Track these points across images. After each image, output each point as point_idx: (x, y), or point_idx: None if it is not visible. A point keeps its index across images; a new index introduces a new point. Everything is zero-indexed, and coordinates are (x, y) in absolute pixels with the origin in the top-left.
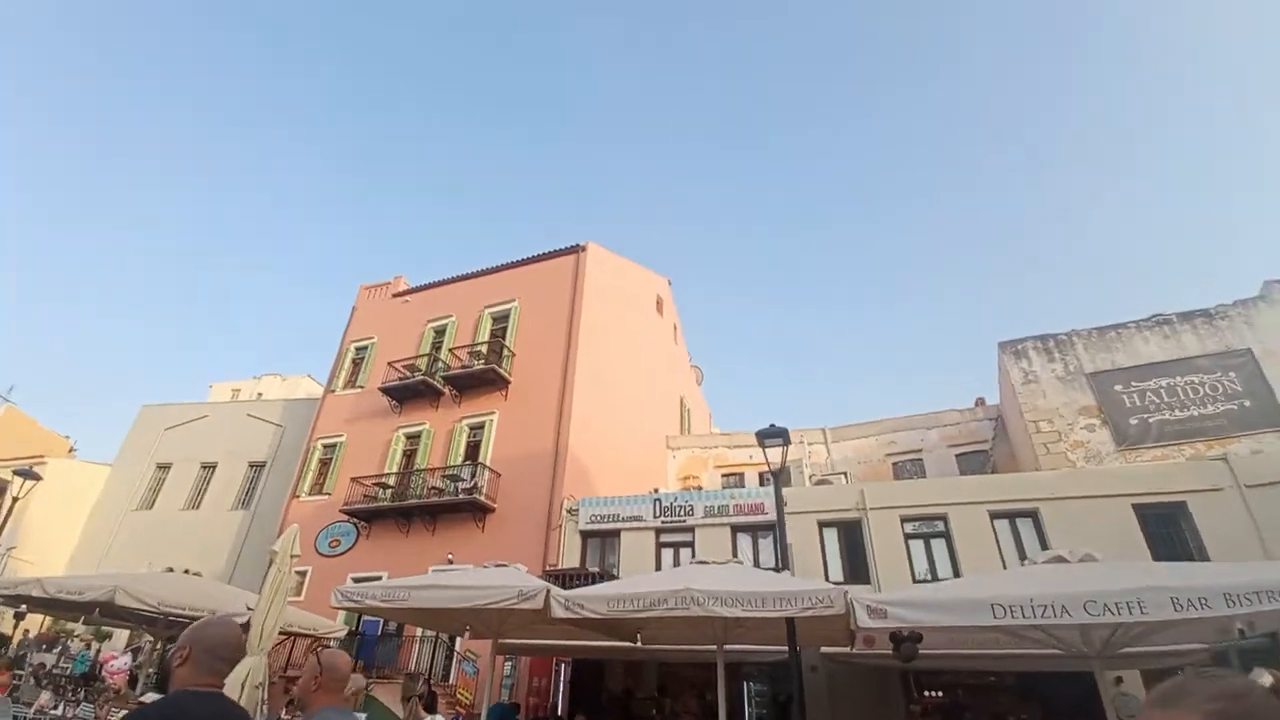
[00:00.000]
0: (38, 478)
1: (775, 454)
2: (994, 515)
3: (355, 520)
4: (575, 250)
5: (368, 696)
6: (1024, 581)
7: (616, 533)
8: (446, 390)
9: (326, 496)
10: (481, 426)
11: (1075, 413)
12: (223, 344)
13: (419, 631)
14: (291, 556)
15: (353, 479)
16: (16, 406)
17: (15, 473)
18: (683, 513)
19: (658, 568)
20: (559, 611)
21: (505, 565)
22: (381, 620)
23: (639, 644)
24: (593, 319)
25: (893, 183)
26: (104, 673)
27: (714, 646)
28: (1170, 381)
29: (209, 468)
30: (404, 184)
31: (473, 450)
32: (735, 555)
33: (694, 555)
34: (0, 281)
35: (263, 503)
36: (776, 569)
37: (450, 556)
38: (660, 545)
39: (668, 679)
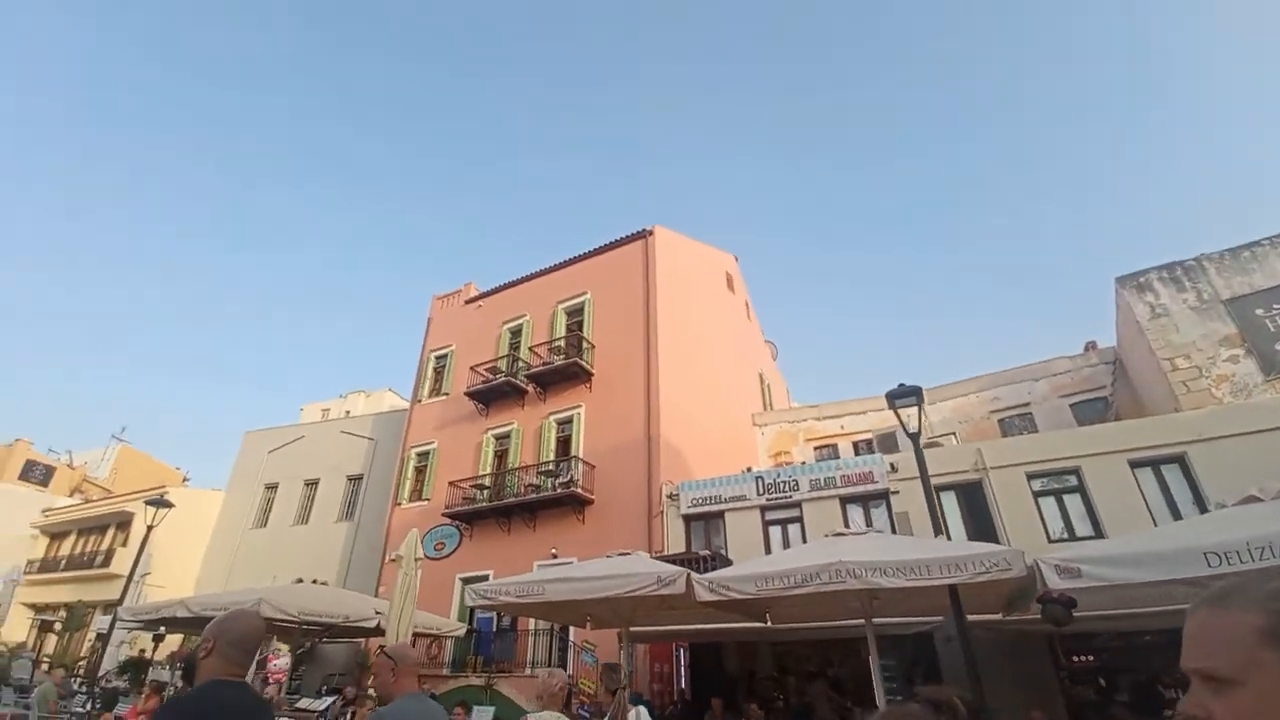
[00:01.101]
0: (170, 505)
1: (910, 414)
2: (1134, 464)
3: (457, 523)
4: (643, 235)
5: (493, 690)
6: (1226, 525)
7: (720, 514)
8: (530, 388)
9: (426, 502)
10: (570, 421)
11: (1215, 344)
12: (306, 368)
13: (532, 625)
14: (416, 560)
15: (450, 483)
16: (130, 444)
17: (147, 503)
18: (787, 489)
19: (766, 546)
20: (704, 595)
21: (628, 554)
22: (495, 617)
23: (768, 623)
24: (668, 302)
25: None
26: (268, 673)
27: (858, 621)
28: None
29: (312, 484)
30: (451, 194)
31: (563, 445)
32: (846, 527)
33: (803, 531)
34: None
35: (364, 513)
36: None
37: (554, 551)
38: (766, 523)
39: (785, 658)
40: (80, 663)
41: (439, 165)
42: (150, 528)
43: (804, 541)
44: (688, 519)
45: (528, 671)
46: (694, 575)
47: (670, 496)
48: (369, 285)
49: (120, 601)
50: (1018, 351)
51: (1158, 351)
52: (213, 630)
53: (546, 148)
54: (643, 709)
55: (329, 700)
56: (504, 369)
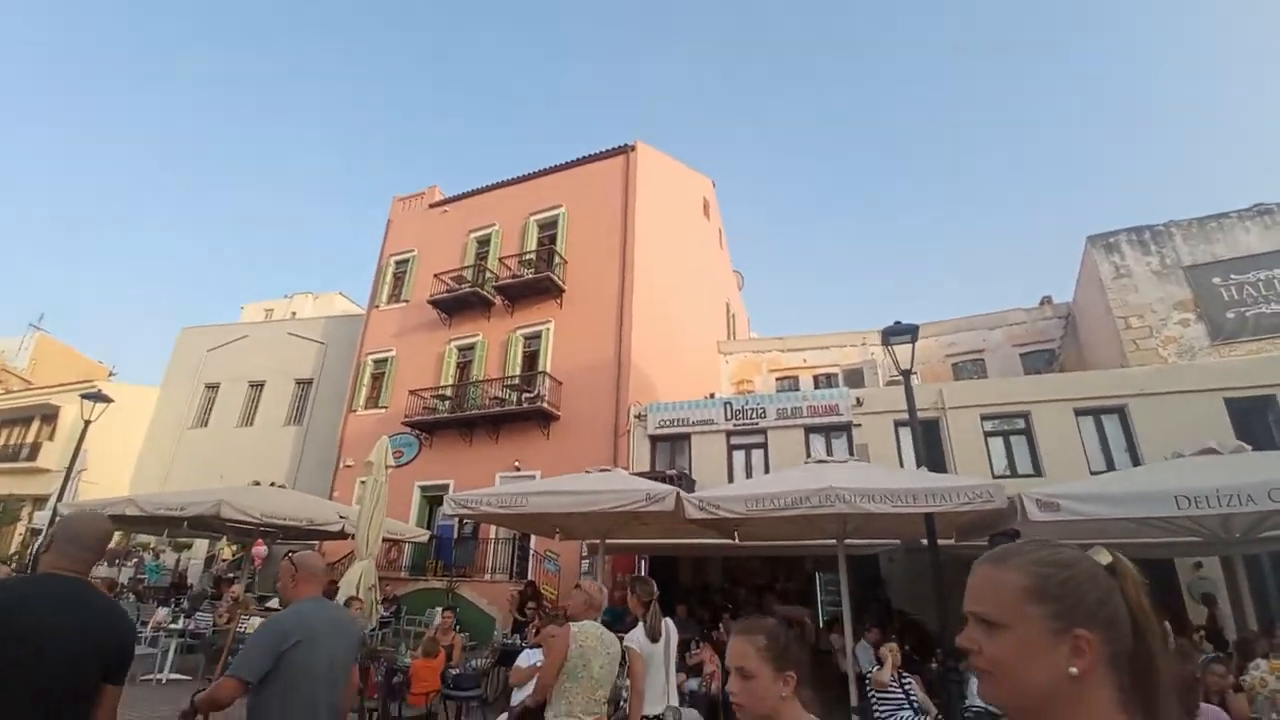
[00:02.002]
0: (108, 400)
1: (903, 352)
2: (1079, 412)
3: (416, 432)
4: (624, 150)
5: (454, 594)
6: (1192, 473)
7: (686, 437)
8: (498, 300)
9: (384, 410)
10: (538, 336)
11: (1169, 308)
12: (248, 265)
13: (494, 534)
14: (386, 468)
15: (410, 392)
16: (49, 334)
17: (83, 396)
18: (754, 416)
19: (729, 470)
20: (694, 513)
21: (608, 470)
22: (456, 524)
23: (736, 540)
24: (646, 223)
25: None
26: (254, 559)
27: (825, 541)
28: (1270, 274)
29: (257, 386)
30: (422, 89)
31: (529, 360)
32: (809, 456)
33: (766, 458)
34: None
35: (314, 418)
36: None
37: (517, 464)
38: (731, 448)
39: (735, 571)
40: (13, 557)
41: (406, 46)
42: (88, 422)
43: (766, 468)
44: (654, 439)
45: (487, 577)
46: (683, 494)
47: (638, 417)
48: (319, 177)
49: (61, 497)
50: (974, 303)
51: (1115, 310)
52: (55, 527)
53: (523, 47)
54: (670, 620)
55: None
56: (470, 279)
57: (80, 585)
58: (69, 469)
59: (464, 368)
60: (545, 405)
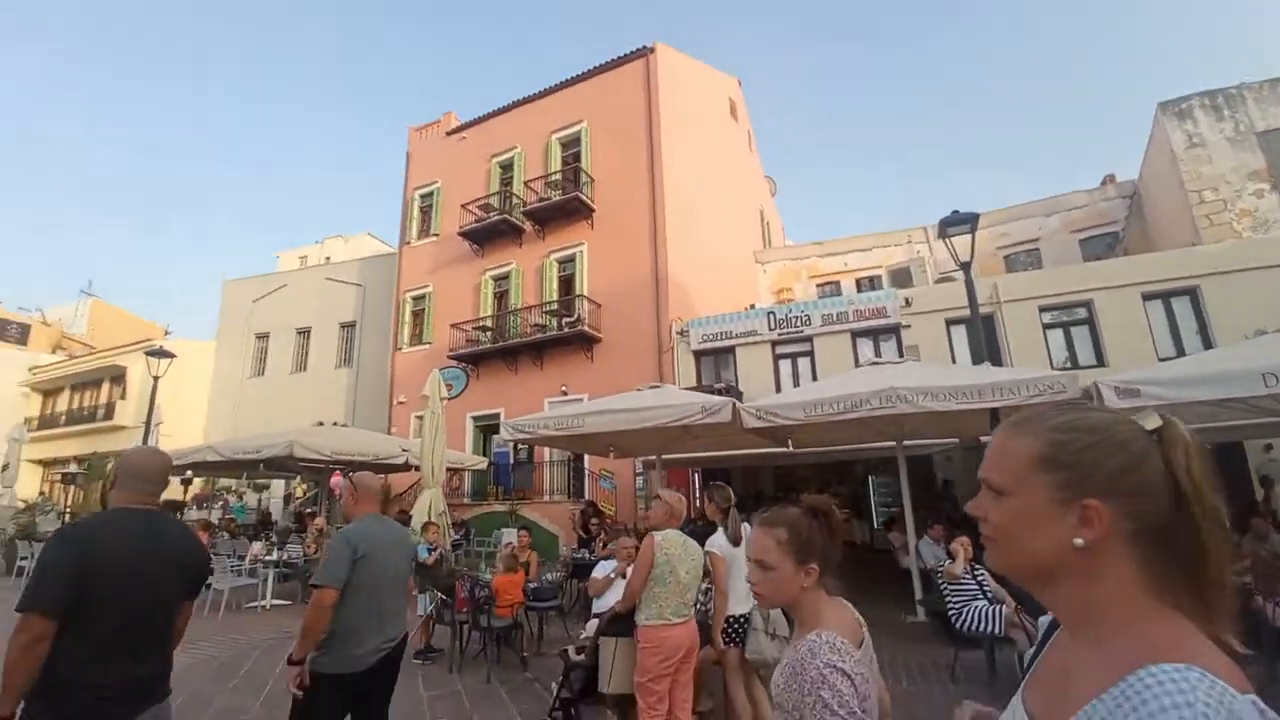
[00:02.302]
0: (172, 355)
1: (962, 243)
2: (1146, 297)
3: (463, 364)
4: (643, 54)
5: (517, 515)
6: (1278, 349)
7: (730, 350)
8: (528, 226)
9: (427, 346)
10: (572, 259)
11: (1244, 178)
12: (275, 216)
13: (548, 457)
14: (441, 399)
15: (452, 325)
16: (101, 299)
17: (148, 354)
18: (799, 324)
19: (775, 380)
20: (751, 422)
21: (658, 386)
22: (511, 450)
23: (791, 448)
24: (671, 131)
25: None
26: (333, 489)
27: (883, 444)
28: None
29: (304, 332)
30: (424, 12)
31: (565, 284)
32: (857, 361)
33: (813, 365)
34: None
35: (362, 358)
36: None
37: (564, 388)
38: (777, 358)
39: (787, 479)
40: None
41: None
42: (157, 379)
43: (813, 376)
44: (698, 354)
45: (545, 498)
46: (739, 404)
47: (680, 333)
48: (334, 123)
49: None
50: (1024, 192)
51: (1188, 183)
52: (117, 465)
53: None
54: (748, 524)
55: None
56: (497, 206)
57: (154, 515)
58: (146, 423)
59: (501, 297)
60: (586, 328)
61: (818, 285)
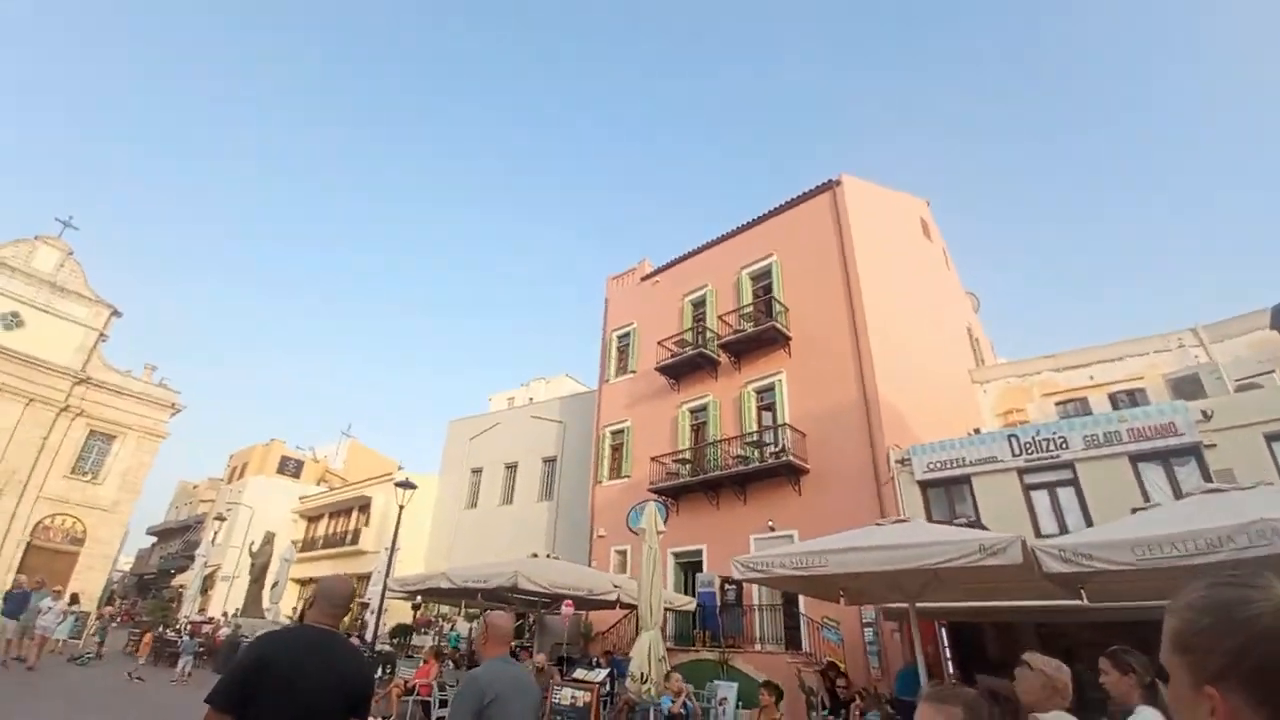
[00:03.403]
0: (414, 486)
1: None
2: None
3: (663, 498)
4: (829, 187)
5: (729, 666)
6: None
7: (965, 479)
8: (723, 358)
9: (626, 479)
10: (771, 388)
11: None
12: (486, 362)
13: (758, 600)
14: (658, 533)
15: (651, 459)
16: (357, 439)
17: (397, 484)
18: (1052, 447)
19: (1030, 515)
20: (1055, 566)
21: (905, 520)
22: (717, 591)
23: (1085, 601)
24: (865, 254)
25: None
26: (563, 617)
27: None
28: None
29: (511, 467)
30: (616, 173)
31: (765, 414)
32: (1143, 491)
33: (1079, 495)
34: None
35: (562, 492)
36: None
37: (771, 524)
38: (1028, 488)
39: (1052, 640)
40: (350, 631)
41: (594, 143)
42: (402, 507)
43: (1083, 510)
44: (924, 485)
45: (756, 647)
46: (1035, 543)
47: (900, 461)
48: (535, 276)
49: (389, 573)
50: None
51: None
52: (318, 588)
53: (705, 120)
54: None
55: (605, 671)
56: (691, 341)
57: (330, 635)
58: (391, 547)
59: (698, 430)
60: (792, 458)
61: (1057, 404)
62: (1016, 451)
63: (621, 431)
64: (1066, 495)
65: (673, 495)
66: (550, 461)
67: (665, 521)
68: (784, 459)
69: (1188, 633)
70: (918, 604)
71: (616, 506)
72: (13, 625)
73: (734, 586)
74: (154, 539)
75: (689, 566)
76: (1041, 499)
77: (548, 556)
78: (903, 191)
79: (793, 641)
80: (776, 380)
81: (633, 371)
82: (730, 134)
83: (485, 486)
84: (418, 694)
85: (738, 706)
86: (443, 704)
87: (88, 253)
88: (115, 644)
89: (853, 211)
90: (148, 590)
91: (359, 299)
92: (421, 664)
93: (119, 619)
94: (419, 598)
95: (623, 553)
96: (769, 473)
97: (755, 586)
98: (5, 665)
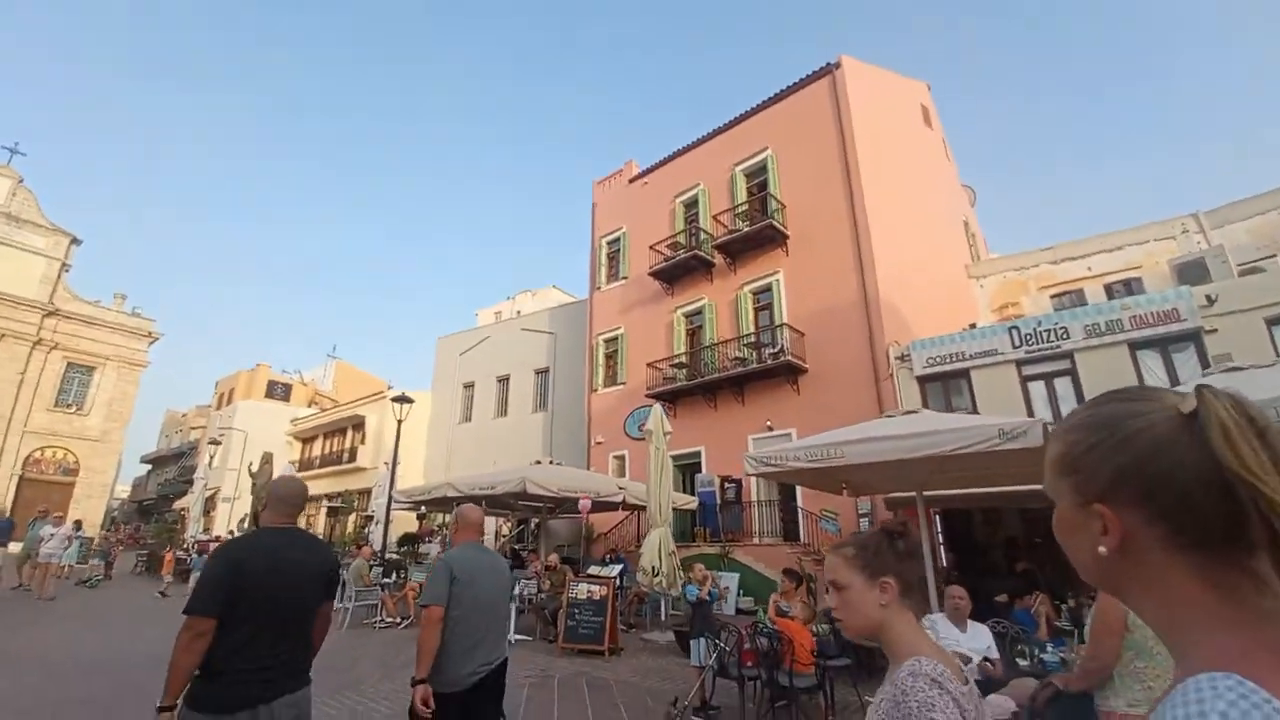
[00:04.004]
0: (411, 401)
1: None
2: None
3: (660, 402)
4: (828, 71)
5: (729, 559)
6: None
7: (964, 373)
8: (718, 260)
9: (622, 386)
10: (768, 289)
11: None
12: (474, 277)
13: (756, 496)
14: (665, 435)
15: (648, 364)
16: (343, 360)
17: (393, 400)
18: (1052, 338)
19: (1026, 404)
20: None
21: (914, 412)
22: (717, 489)
23: None
24: (865, 144)
25: None
26: (582, 511)
27: None
28: None
29: (503, 380)
30: (597, 71)
31: (762, 315)
32: (1140, 378)
33: (1076, 384)
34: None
35: (556, 402)
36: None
37: (769, 423)
38: (1025, 379)
39: (1038, 522)
40: (352, 536)
41: (575, 36)
42: (400, 422)
43: (1078, 399)
44: (923, 380)
45: (755, 540)
46: (1051, 425)
47: (900, 358)
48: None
49: (392, 485)
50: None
51: None
52: (266, 491)
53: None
54: None
55: (618, 566)
56: (684, 243)
57: (291, 531)
58: (393, 460)
59: (694, 334)
60: (790, 358)
61: (1053, 296)
62: (1016, 344)
63: (615, 339)
64: (1063, 385)
65: (670, 400)
66: (542, 373)
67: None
68: (783, 359)
69: (1073, 454)
70: (927, 492)
71: (613, 413)
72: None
73: (733, 484)
74: (149, 466)
75: (688, 468)
76: (1038, 390)
77: (550, 463)
78: (904, 75)
79: (790, 534)
80: (774, 280)
81: (624, 278)
82: (723, 19)
83: (479, 400)
84: None
85: (739, 594)
86: None
87: (39, 180)
88: (124, 566)
89: (853, 97)
90: (149, 514)
91: (342, 224)
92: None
93: (124, 542)
94: (424, 508)
95: (620, 458)
96: (767, 373)
97: (754, 483)
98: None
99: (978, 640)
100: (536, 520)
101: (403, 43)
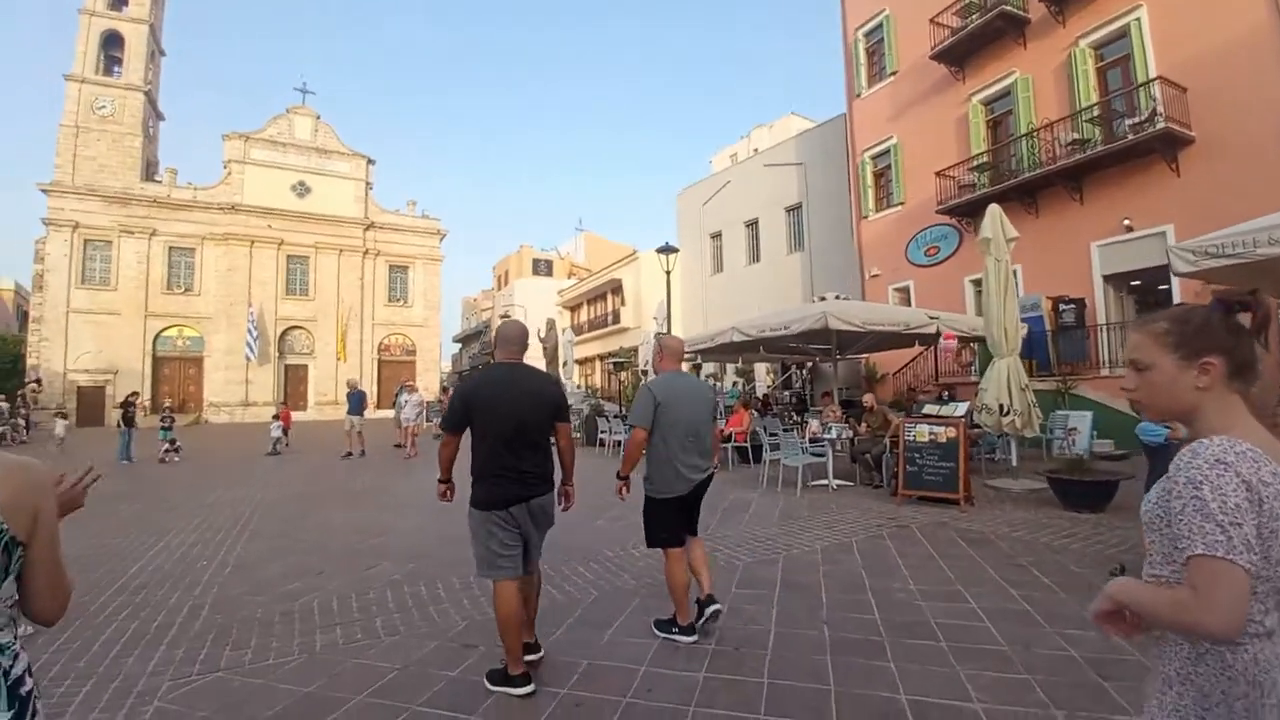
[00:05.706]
0: (676, 250)
1: None
2: None
3: (953, 220)
4: None
5: (1071, 395)
6: None
7: None
8: (1036, 11)
9: (899, 208)
10: (1121, 35)
11: None
12: (701, 126)
13: (1103, 318)
14: (1008, 241)
15: (937, 174)
16: (591, 231)
17: (658, 251)
18: None
19: None
20: None
21: None
22: (1046, 314)
23: None
24: None
25: None
26: (944, 351)
27: None
28: None
29: (751, 224)
30: None
31: (1111, 75)
32: None
33: None
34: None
35: (814, 239)
36: None
37: (1127, 221)
38: None
39: None
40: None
41: None
42: (669, 273)
43: None
44: None
45: (1104, 372)
46: None
47: None
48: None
49: (667, 332)
50: None
51: None
52: (497, 334)
53: None
54: None
55: (965, 404)
56: (980, 2)
57: (514, 366)
58: (667, 310)
59: (995, 125)
60: (1171, 125)
61: None
62: None
63: (886, 153)
64: None
65: (968, 214)
66: (794, 209)
67: (958, 248)
68: (1158, 128)
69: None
70: None
71: (889, 241)
72: (356, 420)
73: (1071, 305)
74: (459, 345)
75: None
76: None
77: (837, 298)
78: None
79: None
80: (1132, 21)
81: (892, 74)
82: None
83: (728, 249)
84: (734, 440)
85: (1092, 436)
86: (756, 449)
87: (328, 113)
88: None
89: None
90: None
91: (570, 89)
92: (732, 414)
93: None
94: (699, 358)
95: (903, 289)
96: (1122, 155)
97: (1101, 302)
98: (350, 457)
99: None
100: (809, 364)
101: None
